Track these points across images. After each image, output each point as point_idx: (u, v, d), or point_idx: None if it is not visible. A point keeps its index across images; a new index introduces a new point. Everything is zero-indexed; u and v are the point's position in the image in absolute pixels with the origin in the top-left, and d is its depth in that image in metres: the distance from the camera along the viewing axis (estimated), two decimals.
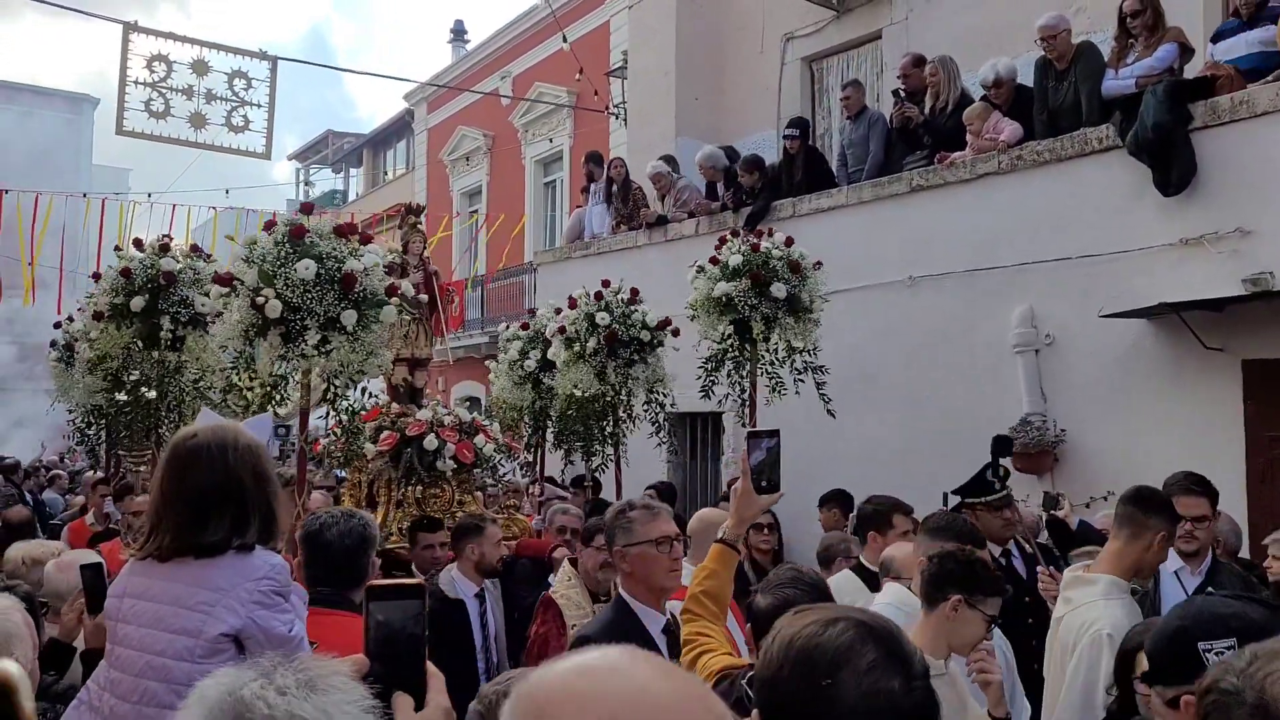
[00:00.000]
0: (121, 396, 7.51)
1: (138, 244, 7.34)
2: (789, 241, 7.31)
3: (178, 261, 7.06)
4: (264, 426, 3.77)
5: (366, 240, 5.74)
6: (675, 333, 8.00)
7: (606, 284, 7.93)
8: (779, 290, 6.97)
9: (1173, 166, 6.92)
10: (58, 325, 8.57)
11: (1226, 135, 6.81)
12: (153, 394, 7.04)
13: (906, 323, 8.58)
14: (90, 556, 3.78)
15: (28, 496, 12.41)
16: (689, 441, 10.86)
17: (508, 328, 9.69)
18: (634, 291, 7.95)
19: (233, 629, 2.51)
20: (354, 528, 3.40)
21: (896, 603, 3.62)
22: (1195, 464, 6.16)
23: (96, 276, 7.41)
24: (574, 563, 4.74)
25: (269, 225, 5.61)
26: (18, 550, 4.77)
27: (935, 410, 8.31)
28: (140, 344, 7.02)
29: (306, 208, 5.87)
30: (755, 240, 7.30)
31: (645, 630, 3.24)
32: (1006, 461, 7.23)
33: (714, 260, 7.24)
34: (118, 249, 7.47)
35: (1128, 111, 7.17)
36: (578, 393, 7.71)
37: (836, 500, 7.39)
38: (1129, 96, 7.25)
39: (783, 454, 6.89)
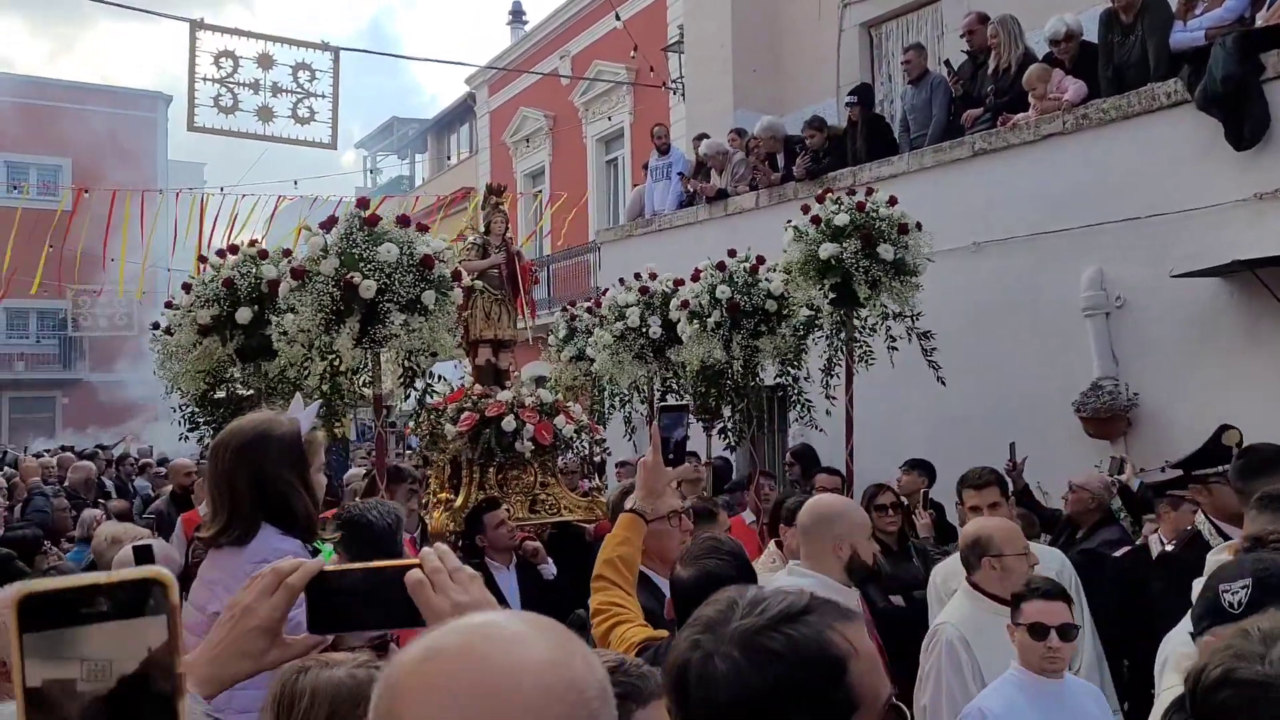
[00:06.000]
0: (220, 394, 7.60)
1: (233, 249, 7.20)
2: (892, 201, 6.91)
3: (276, 267, 6.68)
4: (310, 414, 3.89)
5: (423, 230, 6.00)
6: None
7: (732, 253, 7.59)
8: (886, 252, 6.59)
9: (1245, 119, 6.71)
10: (169, 305, 8.50)
11: None
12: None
13: (972, 289, 8.45)
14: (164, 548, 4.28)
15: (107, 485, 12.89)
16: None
17: (571, 316, 9.73)
18: (760, 259, 7.56)
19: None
20: (391, 510, 3.80)
21: None
22: (1274, 424, 6.03)
23: (187, 288, 7.36)
24: (779, 544, 4.45)
25: (328, 223, 5.83)
26: (106, 529, 5.21)
27: (1004, 377, 8.19)
28: (235, 358, 6.83)
29: (362, 202, 6.08)
30: (861, 199, 6.90)
31: (664, 597, 3.39)
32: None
33: (815, 220, 6.81)
34: (203, 259, 7.45)
35: (1197, 64, 6.96)
36: (697, 364, 7.26)
37: (921, 466, 7.24)
38: (1198, 49, 7.03)
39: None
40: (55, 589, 0.85)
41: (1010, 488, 6.39)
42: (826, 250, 6.59)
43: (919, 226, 7.02)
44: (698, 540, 3.17)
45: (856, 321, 6.92)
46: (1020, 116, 8.31)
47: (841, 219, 6.68)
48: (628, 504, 3.05)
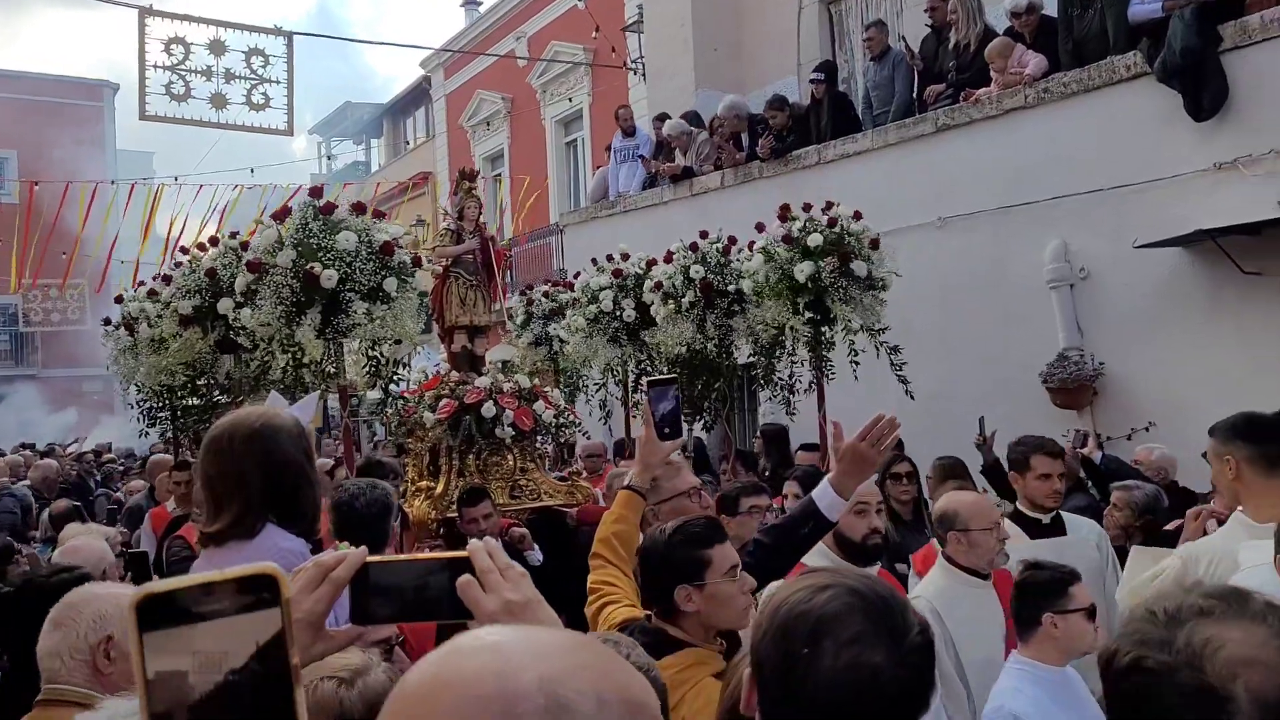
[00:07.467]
0: (192, 401, 7.55)
1: (213, 241, 7.18)
2: (857, 215, 6.88)
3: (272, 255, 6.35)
4: (310, 406, 3.89)
5: (379, 216, 5.99)
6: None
7: (704, 234, 7.60)
8: (860, 269, 6.58)
9: (1204, 90, 6.82)
10: (119, 299, 8.37)
11: (1258, 55, 6.70)
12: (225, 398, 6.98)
13: (938, 264, 8.54)
14: (97, 545, 4.24)
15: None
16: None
17: (529, 300, 9.76)
18: (731, 240, 7.56)
19: None
20: (378, 498, 3.84)
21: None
22: (1237, 390, 6.16)
23: (167, 279, 7.29)
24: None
25: (281, 214, 5.77)
26: (70, 530, 5.29)
27: (971, 350, 8.29)
28: (214, 349, 6.84)
29: (316, 191, 6.01)
30: (832, 215, 6.80)
31: None
32: None
33: (787, 239, 6.73)
34: (184, 250, 7.41)
35: (1156, 37, 7.06)
36: (679, 349, 7.37)
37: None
38: (1156, 21, 7.12)
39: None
40: (172, 589, 0.87)
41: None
42: (804, 271, 6.54)
43: (875, 244, 6.94)
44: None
45: (838, 333, 6.88)
46: (982, 91, 8.38)
47: (815, 239, 6.64)
48: (624, 481, 3.04)
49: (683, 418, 3.10)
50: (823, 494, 2.90)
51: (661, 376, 3.29)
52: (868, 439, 2.81)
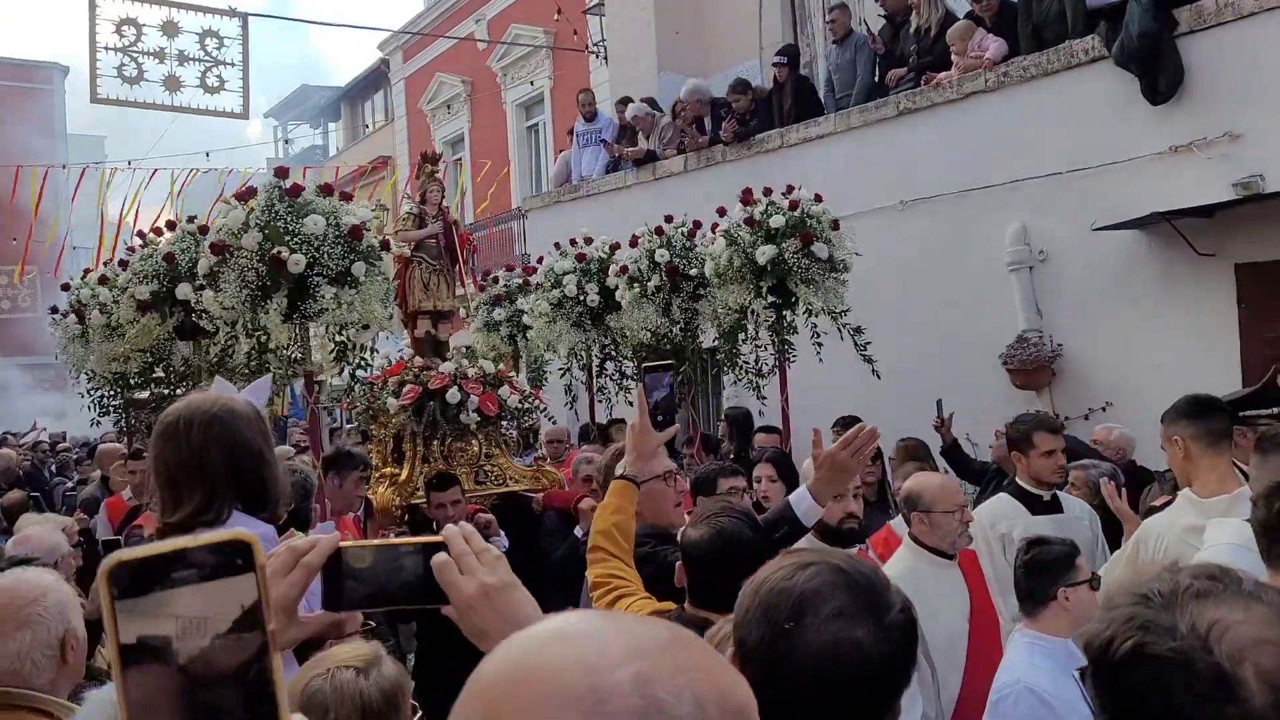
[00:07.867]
0: (150, 390, 7.45)
1: (170, 226, 7.05)
2: (818, 198, 6.87)
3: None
4: (263, 390, 3.82)
5: (346, 198, 5.87)
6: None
7: (669, 219, 7.54)
8: (822, 250, 6.58)
9: (1160, 74, 6.91)
10: (65, 287, 8.22)
11: (1213, 39, 6.79)
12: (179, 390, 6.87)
13: (899, 247, 8.58)
14: (49, 535, 4.16)
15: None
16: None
17: (481, 288, 9.69)
18: (696, 224, 7.49)
19: None
20: (297, 482, 3.94)
21: (1245, 543, 2.67)
22: (1192, 369, 6.28)
23: (124, 264, 7.18)
24: None
25: (244, 194, 5.65)
26: (25, 519, 5.20)
27: (932, 332, 8.35)
28: (172, 334, 6.73)
29: (281, 171, 5.87)
30: (794, 198, 6.79)
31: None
32: None
33: (749, 222, 6.72)
34: (141, 235, 7.30)
35: (1113, 21, 7.13)
36: (644, 335, 7.34)
37: (853, 423, 7.30)
38: (1114, 5, 7.19)
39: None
40: (144, 556, 0.84)
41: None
42: (766, 254, 6.53)
43: (836, 226, 6.96)
44: (708, 503, 3.07)
45: (799, 317, 6.90)
46: (943, 75, 8.42)
47: (778, 220, 6.63)
48: (618, 470, 2.99)
49: (674, 402, 3.03)
50: (800, 499, 2.91)
51: (657, 363, 3.23)
52: (848, 448, 2.81)
